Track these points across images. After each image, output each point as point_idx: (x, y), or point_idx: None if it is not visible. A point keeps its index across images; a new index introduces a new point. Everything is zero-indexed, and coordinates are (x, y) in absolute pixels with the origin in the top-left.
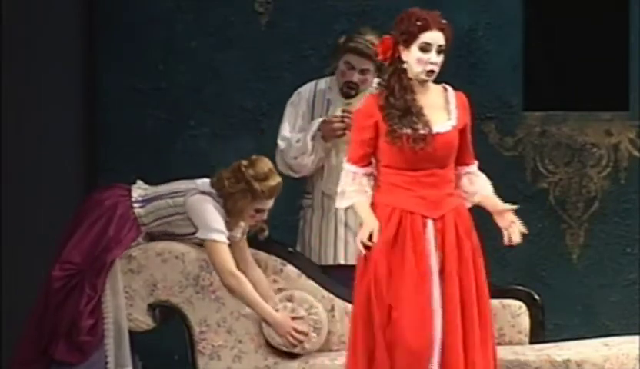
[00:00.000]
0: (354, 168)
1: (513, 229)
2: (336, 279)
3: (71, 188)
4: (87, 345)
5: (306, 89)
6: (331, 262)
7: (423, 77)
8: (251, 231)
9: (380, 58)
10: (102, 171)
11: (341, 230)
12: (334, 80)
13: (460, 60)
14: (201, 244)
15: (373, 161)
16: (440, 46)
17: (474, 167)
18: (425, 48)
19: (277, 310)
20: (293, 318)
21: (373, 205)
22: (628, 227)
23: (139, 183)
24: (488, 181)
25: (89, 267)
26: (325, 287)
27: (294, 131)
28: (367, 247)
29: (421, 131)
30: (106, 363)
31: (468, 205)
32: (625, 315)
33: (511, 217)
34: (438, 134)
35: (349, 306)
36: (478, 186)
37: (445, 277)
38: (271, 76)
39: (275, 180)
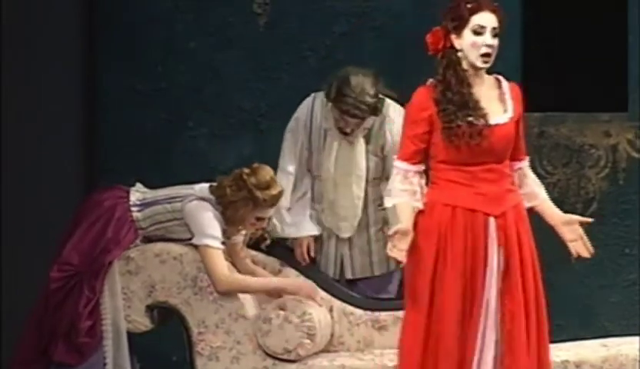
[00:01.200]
0: (405, 166)
1: (581, 243)
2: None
3: (70, 188)
4: (85, 346)
5: (303, 113)
6: (332, 276)
7: (479, 63)
8: (253, 238)
9: (431, 51)
10: (102, 172)
11: (346, 249)
12: (329, 108)
13: None
14: None
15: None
16: (494, 29)
17: (525, 162)
18: (479, 30)
19: (270, 319)
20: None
21: (429, 204)
22: (626, 228)
23: (138, 186)
24: (539, 182)
25: (88, 268)
26: (323, 288)
27: (295, 163)
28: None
29: (478, 124)
30: (104, 364)
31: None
32: (624, 316)
33: (580, 230)
34: (495, 126)
35: (348, 307)
36: (531, 188)
37: (509, 276)
38: (270, 77)
39: (277, 189)
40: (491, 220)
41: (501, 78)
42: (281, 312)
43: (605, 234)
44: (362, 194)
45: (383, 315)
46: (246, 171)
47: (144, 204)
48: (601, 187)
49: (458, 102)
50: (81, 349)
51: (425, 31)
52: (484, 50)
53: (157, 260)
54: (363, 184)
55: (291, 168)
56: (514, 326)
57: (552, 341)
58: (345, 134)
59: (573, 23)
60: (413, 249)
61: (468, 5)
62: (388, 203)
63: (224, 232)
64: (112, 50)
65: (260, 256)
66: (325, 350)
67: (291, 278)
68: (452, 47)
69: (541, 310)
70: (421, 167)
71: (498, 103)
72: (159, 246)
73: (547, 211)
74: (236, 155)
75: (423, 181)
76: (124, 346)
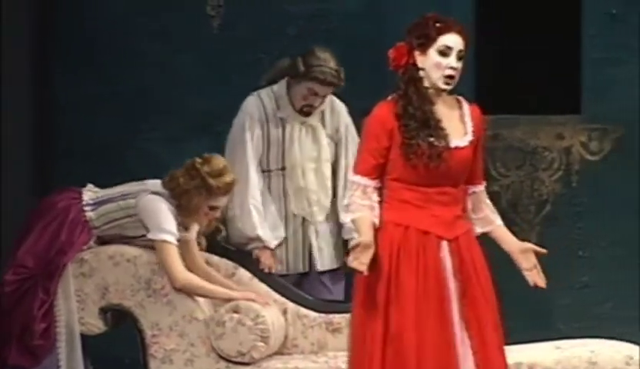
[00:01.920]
0: (364, 181)
1: (536, 272)
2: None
3: (24, 192)
4: (40, 349)
5: (254, 109)
6: (302, 271)
7: (441, 84)
8: (207, 231)
9: (392, 66)
10: (56, 175)
11: (314, 240)
12: (282, 97)
13: None
14: (153, 247)
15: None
16: (460, 51)
17: (481, 187)
18: (445, 51)
19: (224, 322)
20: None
21: (382, 222)
22: (579, 230)
23: (90, 186)
24: (493, 208)
25: (42, 270)
26: (277, 291)
27: (256, 161)
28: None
29: (439, 146)
30: (58, 367)
31: (478, 231)
32: (577, 318)
33: (534, 258)
34: (455, 149)
35: (302, 309)
36: (486, 213)
37: (467, 302)
38: (224, 79)
39: (230, 176)
40: (444, 243)
41: (461, 98)
42: (235, 315)
43: (559, 236)
44: (330, 176)
45: (337, 317)
46: (198, 160)
47: (97, 203)
48: (555, 190)
49: (420, 119)
50: (35, 351)
51: (377, 34)
52: (447, 72)
53: (110, 263)
54: (330, 165)
55: (255, 166)
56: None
57: (506, 343)
58: (307, 115)
59: (526, 26)
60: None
61: (437, 25)
62: (346, 218)
63: (178, 226)
64: (66, 53)
65: (214, 258)
66: (279, 352)
67: (246, 293)
68: (415, 64)
69: (501, 337)
70: (379, 183)
71: (458, 124)
72: (113, 248)
73: (503, 237)
74: (191, 158)
75: (379, 198)
76: (77, 348)
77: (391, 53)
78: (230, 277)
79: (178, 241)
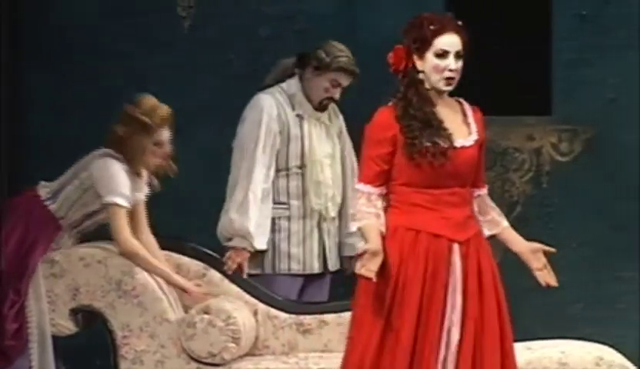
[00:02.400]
0: (368, 188)
1: (547, 272)
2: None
3: None
4: (11, 350)
5: (271, 107)
6: (317, 271)
7: (442, 86)
8: (162, 171)
9: (392, 70)
10: (26, 176)
11: (327, 240)
12: (296, 95)
13: (384, 65)
14: None
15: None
16: (458, 51)
17: (485, 190)
18: (442, 54)
19: (195, 323)
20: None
21: (391, 228)
22: (550, 231)
23: (42, 183)
24: (499, 210)
25: (13, 271)
26: (248, 292)
27: (265, 159)
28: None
29: (443, 145)
30: (30, 367)
31: (486, 233)
32: (547, 319)
33: (544, 258)
34: (461, 148)
35: (272, 310)
36: (493, 216)
37: (466, 304)
38: (195, 80)
39: (163, 109)
40: (455, 246)
41: (462, 101)
42: (206, 316)
43: (529, 237)
44: (340, 173)
45: (307, 318)
46: (129, 106)
47: (55, 193)
48: (525, 191)
49: (422, 119)
50: (7, 352)
51: (348, 33)
52: (447, 74)
53: (81, 264)
54: (340, 163)
55: (262, 164)
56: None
57: None
58: (324, 109)
59: (497, 27)
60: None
61: (431, 27)
62: (354, 226)
63: (133, 178)
64: (38, 53)
65: (184, 259)
66: (250, 353)
67: (185, 281)
68: (414, 67)
69: (507, 339)
70: (384, 190)
71: (462, 125)
72: (83, 249)
73: (511, 238)
74: None
75: (384, 204)
76: (49, 349)
77: (390, 57)
78: (201, 278)
79: (135, 200)
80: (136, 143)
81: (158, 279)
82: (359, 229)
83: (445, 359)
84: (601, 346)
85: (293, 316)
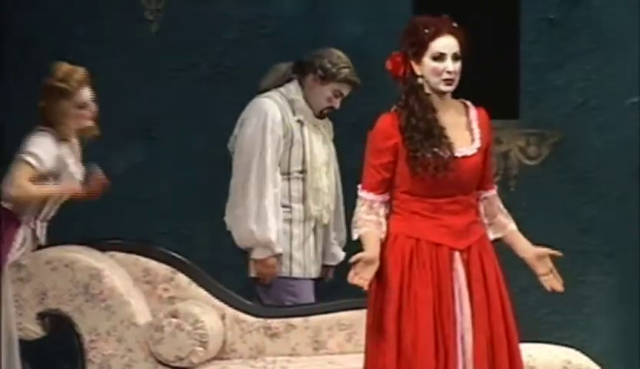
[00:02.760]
0: (371, 196)
1: (552, 276)
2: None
3: None
4: None
5: (275, 111)
6: (314, 276)
7: (442, 87)
8: (87, 135)
9: (392, 77)
10: None
11: (319, 246)
12: (297, 101)
13: None
14: (90, 249)
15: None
16: (455, 53)
17: (493, 192)
18: (439, 57)
19: (162, 326)
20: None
21: (392, 235)
22: None
23: None
24: (506, 212)
25: None
26: (215, 296)
27: (275, 163)
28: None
29: (444, 156)
30: None
31: (490, 236)
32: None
33: (550, 263)
34: (462, 158)
35: (240, 314)
36: (499, 218)
37: (474, 313)
38: (162, 84)
39: (78, 71)
40: (457, 254)
41: (468, 103)
42: (174, 320)
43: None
44: (335, 181)
45: (275, 322)
46: (47, 79)
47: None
48: None
49: (424, 129)
50: None
51: (315, 38)
52: (445, 76)
53: (48, 268)
54: (334, 170)
55: (273, 168)
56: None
57: None
58: (324, 117)
59: (464, 30)
60: (378, 281)
61: (426, 31)
62: (355, 235)
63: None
64: (2, 57)
65: (152, 263)
66: (218, 357)
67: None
68: (413, 72)
69: (513, 343)
70: (387, 197)
71: (464, 131)
72: (51, 253)
73: (517, 243)
74: (128, 162)
75: (387, 211)
76: (16, 353)
77: (388, 64)
78: (168, 282)
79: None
80: (58, 109)
81: (126, 283)
82: (359, 237)
83: (464, 366)
84: (568, 349)
85: (261, 320)
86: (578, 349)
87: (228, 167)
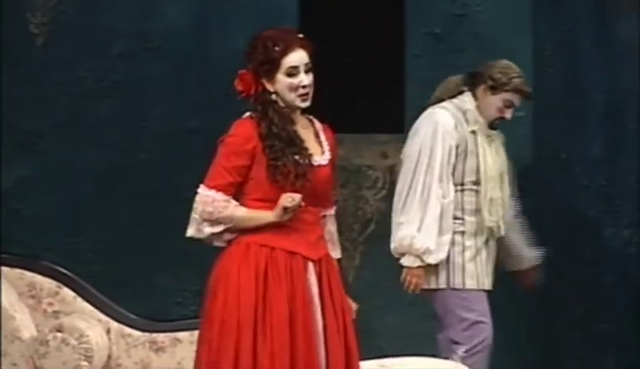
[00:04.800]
0: (220, 196)
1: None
2: None
3: None
4: None
5: (449, 121)
6: (487, 288)
7: (298, 103)
8: None
9: (242, 96)
10: None
11: (492, 258)
12: (470, 111)
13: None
14: None
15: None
16: (307, 64)
17: (331, 211)
18: (293, 72)
19: (48, 341)
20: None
21: (244, 243)
22: None
23: None
24: (336, 239)
25: None
26: (101, 310)
27: (442, 173)
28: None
29: (304, 165)
30: None
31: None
32: (400, 336)
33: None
34: (318, 167)
35: (126, 328)
36: (332, 240)
37: (326, 322)
38: (48, 98)
39: None
40: (310, 264)
41: (313, 118)
42: (59, 334)
43: (382, 254)
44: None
45: (161, 336)
46: None
47: None
48: (379, 208)
49: (286, 138)
50: None
51: (202, 52)
52: (301, 91)
53: None
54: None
55: (439, 178)
56: None
57: None
58: (495, 128)
59: (349, 45)
60: (226, 291)
61: (277, 48)
62: (218, 229)
63: None
64: None
65: (37, 277)
66: None
67: None
68: (265, 89)
69: (355, 362)
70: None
71: (315, 143)
72: None
73: None
74: (14, 177)
75: None
76: None
77: (237, 84)
78: (54, 296)
79: None
80: None
81: (11, 297)
82: (240, 220)
83: None
84: (453, 362)
85: (146, 334)
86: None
87: (115, 181)
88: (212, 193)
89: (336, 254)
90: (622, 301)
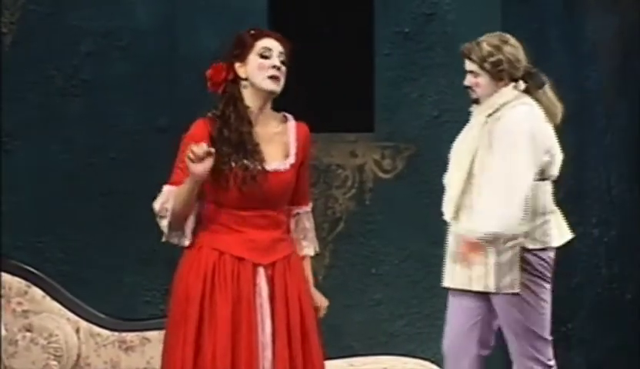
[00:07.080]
0: (170, 188)
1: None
2: None
3: None
4: None
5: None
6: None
7: (267, 85)
8: None
9: (211, 87)
10: None
11: None
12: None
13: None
14: None
15: None
16: (281, 53)
17: (306, 208)
18: (265, 54)
19: (16, 340)
20: None
21: (197, 245)
22: (372, 248)
23: None
24: (312, 236)
25: None
26: (70, 309)
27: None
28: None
29: (253, 169)
30: None
31: (300, 253)
32: (369, 335)
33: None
34: (273, 172)
35: (95, 328)
36: (299, 238)
37: (275, 327)
38: (16, 97)
39: None
40: (261, 269)
41: (289, 116)
42: (28, 333)
43: (352, 253)
44: None
45: (130, 336)
46: None
47: None
48: (348, 207)
49: (235, 142)
50: None
51: (169, 49)
52: (271, 72)
53: None
54: None
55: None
56: None
57: None
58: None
59: (319, 44)
60: (176, 292)
61: (252, 32)
62: (165, 221)
63: None
64: None
65: (6, 276)
66: None
67: None
68: (235, 80)
69: (317, 358)
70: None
71: (280, 146)
72: None
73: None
74: None
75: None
76: None
77: (208, 74)
78: (23, 295)
79: None
80: None
81: None
82: (177, 199)
83: None
84: (422, 361)
85: (116, 333)
86: (432, 361)
87: (84, 179)
88: (166, 188)
89: (310, 250)
90: (590, 301)
